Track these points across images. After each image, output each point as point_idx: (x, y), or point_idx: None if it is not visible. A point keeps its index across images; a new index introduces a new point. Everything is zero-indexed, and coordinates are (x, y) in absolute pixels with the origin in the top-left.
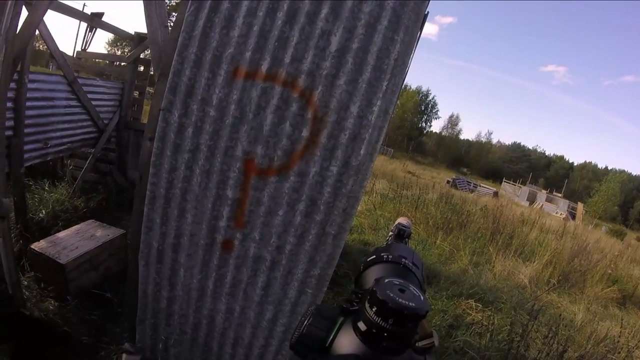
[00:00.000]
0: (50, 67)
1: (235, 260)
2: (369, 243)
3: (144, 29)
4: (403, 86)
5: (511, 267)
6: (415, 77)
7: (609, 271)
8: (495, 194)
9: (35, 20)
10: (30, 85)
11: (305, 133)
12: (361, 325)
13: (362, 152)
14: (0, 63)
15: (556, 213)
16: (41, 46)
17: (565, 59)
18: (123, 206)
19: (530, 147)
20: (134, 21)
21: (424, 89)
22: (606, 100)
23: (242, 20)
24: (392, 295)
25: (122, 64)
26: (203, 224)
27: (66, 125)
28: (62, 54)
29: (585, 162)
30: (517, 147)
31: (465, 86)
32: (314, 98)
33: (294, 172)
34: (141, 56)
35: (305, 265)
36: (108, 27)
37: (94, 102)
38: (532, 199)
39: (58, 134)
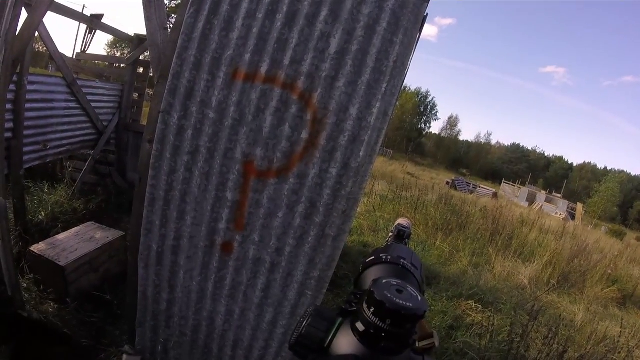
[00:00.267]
0: (50, 68)
1: (234, 263)
2: (368, 244)
3: (143, 31)
4: (402, 87)
5: (511, 268)
6: (415, 78)
7: (609, 271)
8: (495, 194)
9: (35, 22)
10: (29, 87)
11: (304, 135)
12: (359, 326)
13: (361, 154)
14: None
15: (556, 213)
16: (41, 48)
17: (565, 60)
18: (122, 208)
19: (530, 148)
20: (134, 23)
21: (423, 90)
22: (606, 101)
23: (242, 22)
24: (389, 296)
25: (122, 65)
26: (203, 226)
27: (65, 127)
28: (62, 56)
29: (584, 162)
30: (516, 148)
31: (464, 87)
32: (314, 100)
33: (293, 174)
34: (141, 58)
35: (305, 267)
36: (107, 29)
37: (93, 104)
38: (531, 200)
39: (57, 135)
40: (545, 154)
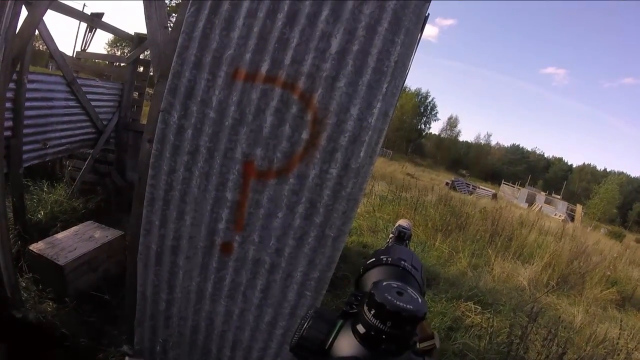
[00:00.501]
0: (50, 67)
1: (234, 263)
2: (368, 245)
3: (143, 30)
4: (403, 88)
5: (510, 269)
6: (415, 79)
7: (608, 273)
8: (494, 196)
9: (35, 20)
10: (29, 86)
11: (305, 135)
12: (360, 328)
13: (361, 154)
14: None
15: (555, 215)
16: (41, 46)
17: (565, 62)
18: (122, 207)
19: (529, 149)
20: (134, 22)
21: (423, 90)
22: (605, 102)
23: (242, 21)
24: (390, 298)
25: (122, 64)
26: (202, 227)
27: (65, 126)
28: (62, 54)
29: (584, 164)
30: (516, 149)
31: (464, 88)
32: (314, 100)
33: (293, 175)
34: (141, 57)
35: (305, 267)
36: (108, 28)
37: (93, 103)
38: (531, 201)
39: (57, 134)
40: (545, 155)
